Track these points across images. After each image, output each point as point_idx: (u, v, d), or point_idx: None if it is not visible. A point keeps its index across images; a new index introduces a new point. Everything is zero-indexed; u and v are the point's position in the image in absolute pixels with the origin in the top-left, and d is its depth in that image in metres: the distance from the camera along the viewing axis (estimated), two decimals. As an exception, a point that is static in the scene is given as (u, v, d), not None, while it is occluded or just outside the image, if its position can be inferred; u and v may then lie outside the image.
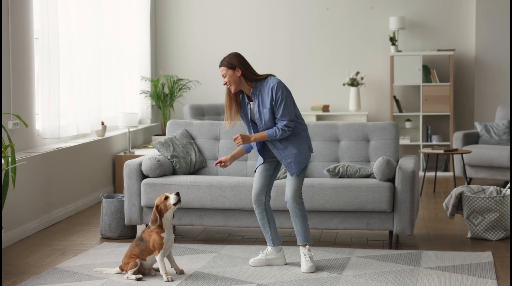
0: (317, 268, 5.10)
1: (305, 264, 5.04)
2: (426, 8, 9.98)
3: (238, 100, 5.06)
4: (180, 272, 4.98)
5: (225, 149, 6.31)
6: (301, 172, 5.06)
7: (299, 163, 5.02)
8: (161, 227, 4.88)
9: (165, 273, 4.84)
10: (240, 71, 4.96)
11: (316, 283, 4.74)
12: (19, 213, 6.06)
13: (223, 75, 4.99)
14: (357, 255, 5.45)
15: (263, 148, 5.15)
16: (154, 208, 4.91)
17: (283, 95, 4.94)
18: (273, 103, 4.94)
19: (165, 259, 4.98)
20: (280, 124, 4.95)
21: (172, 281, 4.81)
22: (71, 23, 7.45)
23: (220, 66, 5.02)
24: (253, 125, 5.10)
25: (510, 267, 5.08)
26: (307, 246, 5.10)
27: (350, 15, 10.11)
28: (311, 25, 10.19)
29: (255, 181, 5.17)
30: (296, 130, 5.04)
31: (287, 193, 5.06)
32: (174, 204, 4.91)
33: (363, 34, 10.10)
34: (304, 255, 5.08)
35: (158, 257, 4.86)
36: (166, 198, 4.92)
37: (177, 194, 4.91)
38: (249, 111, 5.06)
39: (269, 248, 5.22)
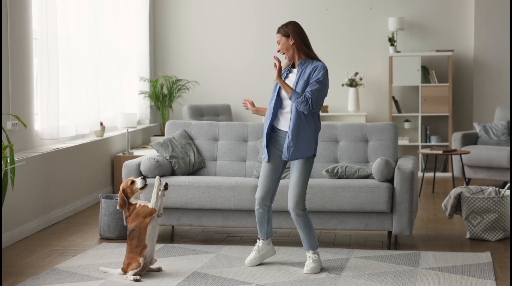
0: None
1: (306, 265, 5.04)
2: (425, 9, 9.99)
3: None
4: (158, 269, 5.05)
5: (224, 150, 6.32)
6: (305, 176, 4.96)
7: (301, 151, 4.90)
8: (132, 205, 4.94)
9: (156, 187, 4.95)
10: (293, 40, 4.94)
11: (314, 284, 4.74)
12: (18, 214, 6.06)
13: (277, 42, 4.99)
14: (356, 256, 5.45)
15: (271, 141, 5.05)
16: (120, 192, 4.95)
17: (324, 80, 4.91)
18: (311, 80, 4.88)
19: (165, 259, 4.97)
20: (307, 94, 4.85)
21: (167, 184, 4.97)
22: (70, 24, 7.45)
23: (277, 32, 5.00)
24: (277, 99, 4.99)
25: (510, 267, 5.08)
26: (312, 251, 5.08)
27: (349, 16, 10.12)
28: (310, 25, 10.18)
29: (263, 183, 5.09)
30: (313, 126, 4.95)
31: (289, 204, 5.00)
32: (141, 188, 4.93)
33: (362, 35, 10.10)
34: (308, 258, 5.08)
35: (152, 204, 4.92)
36: (133, 182, 4.95)
37: (144, 178, 4.94)
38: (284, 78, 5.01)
39: (260, 244, 5.21)
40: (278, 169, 5.09)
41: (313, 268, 5.02)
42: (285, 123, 4.98)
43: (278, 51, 5.02)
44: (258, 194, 5.12)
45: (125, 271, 4.91)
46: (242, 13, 10.24)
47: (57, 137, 6.96)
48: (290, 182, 5.01)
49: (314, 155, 5.01)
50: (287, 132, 4.96)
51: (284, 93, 4.96)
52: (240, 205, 5.75)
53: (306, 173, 4.98)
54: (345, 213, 5.72)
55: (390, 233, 5.74)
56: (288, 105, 4.97)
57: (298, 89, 4.89)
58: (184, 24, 10.38)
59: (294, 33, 4.95)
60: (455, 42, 9.96)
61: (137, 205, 4.95)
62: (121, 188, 4.98)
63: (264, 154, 5.09)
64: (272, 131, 5.05)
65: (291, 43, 4.96)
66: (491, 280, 4.80)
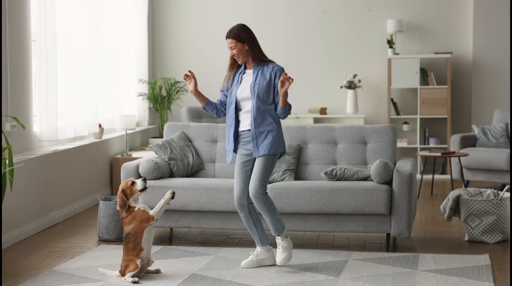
0: (314, 270, 5.09)
1: (278, 255, 5.07)
2: (424, 11, 10.00)
3: (236, 70, 5.15)
4: (156, 271, 5.03)
5: (222, 152, 6.32)
6: (268, 164, 5.02)
7: (272, 147, 4.99)
8: (131, 208, 4.94)
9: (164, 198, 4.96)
10: (247, 45, 5.02)
11: (313, 286, 4.75)
12: (16, 215, 6.06)
13: (231, 47, 5.02)
14: (354, 258, 5.45)
15: (237, 136, 5.12)
16: (120, 193, 4.94)
17: None
18: (274, 81, 4.99)
19: (164, 260, 4.97)
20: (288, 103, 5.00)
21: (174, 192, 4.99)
22: (68, 25, 7.45)
23: (228, 37, 5.02)
24: (235, 103, 5.08)
25: (510, 268, 5.08)
26: (280, 236, 5.09)
27: (347, 18, 10.12)
28: (308, 27, 10.20)
29: (235, 185, 5.14)
30: (279, 122, 5.09)
31: (250, 190, 5.04)
32: (141, 190, 4.93)
33: (360, 37, 10.11)
34: (278, 245, 5.10)
35: (154, 211, 4.92)
36: (133, 183, 4.95)
37: (144, 179, 4.94)
38: (238, 84, 5.06)
39: (258, 249, 5.21)
40: (248, 166, 5.12)
41: (284, 258, 5.04)
42: (246, 123, 5.07)
43: (233, 56, 5.06)
44: (234, 197, 5.16)
45: (122, 273, 4.91)
46: (240, 16, 10.24)
47: (55, 139, 6.95)
48: (252, 175, 5.04)
49: (283, 153, 5.13)
50: (248, 130, 5.05)
51: (240, 95, 5.05)
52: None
53: (268, 167, 5.04)
54: (344, 215, 5.72)
55: (389, 235, 5.74)
56: (246, 105, 5.06)
57: (259, 90, 4.99)
58: (183, 26, 10.38)
59: (248, 39, 5.03)
60: (454, 44, 9.97)
61: (136, 209, 4.95)
62: (120, 188, 4.97)
63: (229, 158, 5.18)
64: (237, 136, 5.15)
65: (246, 48, 5.04)
66: (489, 282, 4.80)
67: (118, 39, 9.01)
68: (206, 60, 10.35)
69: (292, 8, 10.19)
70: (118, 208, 4.95)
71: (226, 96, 5.20)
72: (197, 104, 10.20)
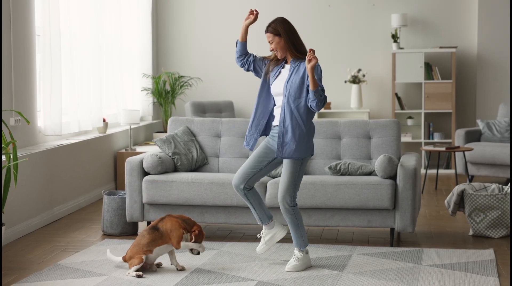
0: (319, 265, 5.09)
1: (289, 262, 5.02)
2: (428, 5, 9.97)
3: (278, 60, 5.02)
4: (181, 269, 4.98)
5: (227, 146, 6.31)
6: (293, 175, 4.90)
7: (297, 151, 4.86)
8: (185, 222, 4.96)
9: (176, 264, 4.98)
10: (284, 39, 4.89)
11: (317, 281, 4.74)
12: (21, 210, 6.07)
13: (269, 41, 4.92)
14: (359, 253, 5.45)
15: (267, 128, 5.02)
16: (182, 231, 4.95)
17: (319, 74, 4.85)
18: (307, 79, 4.82)
19: (166, 255, 4.99)
20: (324, 94, 4.84)
21: (184, 269, 4.94)
22: (72, 20, 7.45)
23: (266, 32, 4.93)
24: (265, 96, 4.99)
25: (510, 265, 5.08)
26: (300, 250, 5.06)
27: (351, 12, 10.11)
28: (312, 22, 10.18)
29: (242, 166, 5.04)
30: (310, 126, 4.92)
31: (279, 199, 4.97)
32: (191, 251, 5.01)
33: (364, 31, 10.09)
34: (293, 255, 5.05)
35: (184, 244, 4.92)
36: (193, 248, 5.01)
37: (198, 253, 5.02)
38: (274, 77, 4.95)
39: (263, 230, 5.18)
40: (263, 159, 5.00)
41: (294, 266, 4.99)
42: (277, 118, 4.97)
43: (271, 51, 4.95)
44: (234, 176, 5.09)
45: (125, 260, 4.92)
46: (244, 10, 10.21)
47: (60, 134, 6.96)
48: (281, 178, 4.97)
49: (311, 155, 4.99)
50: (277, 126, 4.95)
51: (275, 90, 4.93)
52: (242, 201, 5.74)
53: (294, 171, 4.91)
54: (348, 210, 5.72)
55: (393, 230, 5.73)
56: (278, 101, 4.95)
57: (293, 86, 4.85)
58: (186, 20, 10.37)
59: (284, 33, 4.91)
60: (459, 39, 9.94)
61: (183, 235, 4.92)
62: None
63: (248, 142, 5.02)
64: (267, 128, 5.04)
65: (283, 42, 4.91)
66: (494, 277, 4.79)
67: (122, 34, 9.01)
68: (211, 54, 10.34)
69: (296, 3, 10.17)
70: (183, 232, 4.92)
71: (262, 64, 5.03)
72: (201, 99, 10.20)
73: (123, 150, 8.44)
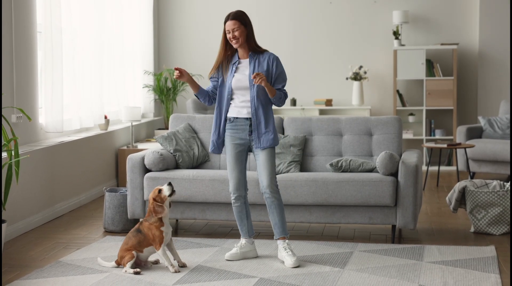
0: (320, 262, 5.10)
1: (289, 258, 5.01)
2: (430, 2, 9.96)
3: (227, 59, 5.07)
4: (183, 265, 4.99)
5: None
6: (273, 160, 5.02)
7: (274, 139, 5.00)
8: (160, 221, 4.89)
9: (171, 265, 4.86)
10: (247, 30, 4.98)
11: (318, 277, 4.75)
12: (22, 207, 6.07)
13: (232, 30, 4.94)
14: (360, 250, 5.45)
15: (228, 133, 5.08)
16: (151, 203, 4.91)
17: (282, 67, 5.02)
18: (272, 70, 4.96)
19: (168, 252, 4.99)
20: (284, 91, 5.03)
21: (179, 272, 4.83)
22: (74, 17, 7.45)
23: (232, 19, 4.95)
24: (229, 91, 5.03)
25: (510, 261, 5.09)
26: (285, 239, 5.09)
27: (353, 9, 10.10)
28: (314, 19, 10.18)
29: (233, 174, 5.10)
30: (272, 117, 5.08)
31: (263, 182, 5.01)
32: (169, 195, 4.92)
33: (366, 28, 10.08)
34: (285, 249, 5.05)
35: (160, 252, 4.86)
36: (160, 190, 4.93)
37: (169, 184, 4.93)
38: (232, 73, 5.01)
39: (243, 241, 5.21)
40: (243, 158, 5.11)
41: (295, 260, 5.00)
42: (242, 111, 5.02)
43: (231, 39, 4.96)
44: (230, 188, 5.13)
45: (119, 263, 4.92)
46: (245, 7, 10.22)
47: (61, 131, 6.97)
48: (259, 166, 5.02)
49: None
50: (246, 119, 5.01)
51: (237, 84, 5.00)
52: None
53: (273, 157, 5.04)
54: (349, 207, 5.72)
55: (394, 227, 5.73)
56: (242, 95, 5.01)
57: None
58: (188, 17, 10.37)
59: (249, 24, 5.01)
60: (460, 36, 9.93)
61: (163, 228, 4.89)
62: (151, 199, 4.93)
63: (219, 148, 5.10)
64: (229, 122, 5.08)
65: (247, 33, 4.99)
66: (495, 274, 4.79)
67: (123, 31, 9.01)
68: (212, 51, 10.31)
69: (297, 0, 10.16)
70: (158, 215, 4.88)
71: (217, 82, 5.11)
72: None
73: (125, 147, 8.44)
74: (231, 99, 5.06)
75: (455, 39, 9.92)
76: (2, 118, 5.37)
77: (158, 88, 9.68)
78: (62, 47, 6.98)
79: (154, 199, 4.92)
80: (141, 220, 5.00)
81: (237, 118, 5.04)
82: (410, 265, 5.02)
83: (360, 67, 9.86)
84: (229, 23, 4.96)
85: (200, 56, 10.32)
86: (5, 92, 5.99)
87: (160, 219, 4.90)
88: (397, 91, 9.82)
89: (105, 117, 8.13)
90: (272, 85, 5.01)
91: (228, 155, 5.12)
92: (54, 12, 6.77)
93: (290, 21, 10.18)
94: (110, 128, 8.34)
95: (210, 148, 5.16)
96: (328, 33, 10.14)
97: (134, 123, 8.72)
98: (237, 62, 5.05)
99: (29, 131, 6.57)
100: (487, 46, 9.75)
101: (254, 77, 4.81)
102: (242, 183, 5.12)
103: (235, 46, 5.00)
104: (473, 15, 9.88)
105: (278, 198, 5.05)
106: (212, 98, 5.15)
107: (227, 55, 5.08)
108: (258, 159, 5.05)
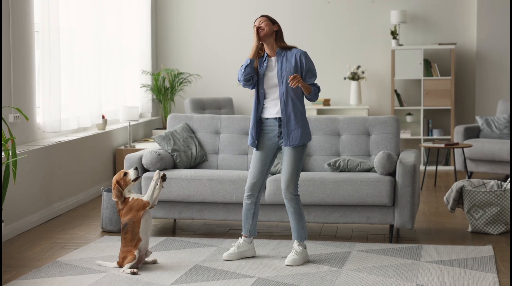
0: (318, 261, 5.10)
1: (289, 256, 5.06)
2: (427, 2, 9.97)
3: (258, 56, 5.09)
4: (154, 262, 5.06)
5: (226, 143, 6.31)
6: (296, 162, 5.00)
7: (303, 136, 4.99)
8: (125, 198, 4.95)
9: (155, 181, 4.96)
10: (277, 27, 5.03)
11: (316, 277, 4.75)
12: (19, 207, 6.07)
13: (260, 22, 4.98)
14: (358, 249, 5.45)
15: (260, 132, 5.09)
16: (114, 184, 4.95)
17: (311, 61, 5.04)
18: (300, 65, 4.98)
19: (161, 253, 4.98)
20: (316, 85, 5.04)
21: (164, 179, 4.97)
22: (71, 17, 7.44)
23: (262, 16, 5.05)
24: (261, 90, 5.04)
25: (510, 261, 5.08)
26: (299, 243, 5.09)
27: (351, 9, 10.10)
28: (312, 18, 10.18)
29: (252, 173, 5.12)
30: (305, 111, 5.08)
31: (281, 186, 5.05)
32: (134, 180, 4.94)
33: (364, 28, 10.08)
34: (292, 249, 5.09)
35: (150, 191, 4.92)
36: (125, 174, 4.95)
37: (136, 169, 4.95)
38: (262, 71, 5.02)
39: (241, 240, 5.22)
40: (267, 160, 5.11)
41: (294, 260, 5.02)
42: (273, 111, 5.03)
43: (259, 28, 4.97)
44: (246, 185, 5.16)
45: (120, 264, 4.92)
46: (244, 6, 10.23)
47: (59, 130, 6.96)
48: (282, 166, 5.04)
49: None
50: (276, 119, 5.02)
51: (268, 82, 5.01)
52: (241, 198, 5.75)
53: (298, 159, 5.01)
54: (347, 207, 5.72)
55: (392, 227, 5.73)
56: (272, 93, 5.02)
57: (288, 74, 4.96)
58: (186, 17, 10.36)
59: (278, 24, 5.07)
60: (458, 35, 9.94)
61: (130, 199, 4.95)
62: (114, 180, 4.98)
63: (251, 139, 5.10)
64: (260, 123, 5.10)
65: (275, 29, 5.03)
66: (493, 273, 4.80)
67: (121, 30, 9.00)
68: (210, 51, 10.33)
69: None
70: (114, 198, 4.96)
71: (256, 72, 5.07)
72: (201, 95, 10.19)
73: (122, 147, 8.43)
74: (265, 97, 5.07)
75: (453, 39, 9.92)
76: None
77: (156, 88, 9.67)
78: (60, 46, 6.98)
79: (118, 182, 4.94)
80: (118, 210, 4.99)
81: (267, 118, 5.06)
82: (408, 265, 5.02)
83: (358, 66, 9.86)
84: (258, 19, 5.03)
85: (198, 56, 10.31)
86: (2, 91, 5.98)
87: (125, 198, 4.94)
88: (395, 91, 9.82)
89: (103, 117, 8.13)
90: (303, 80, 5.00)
91: (254, 152, 5.15)
92: (51, 12, 6.76)
93: (288, 21, 10.18)
94: (108, 128, 8.34)
95: (249, 141, 5.16)
96: (326, 32, 10.14)
97: (132, 123, 8.71)
98: (267, 60, 5.07)
99: (27, 130, 6.57)
100: (484, 46, 9.76)
101: (291, 80, 4.85)
102: (258, 184, 5.12)
103: (260, 35, 4.98)
104: (471, 15, 9.89)
105: (294, 205, 5.03)
106: (252, 79, 5.05)
107: (259, 54, 5.10)
108: (284, 159, 5.05)
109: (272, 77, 5.03)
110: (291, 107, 4.99)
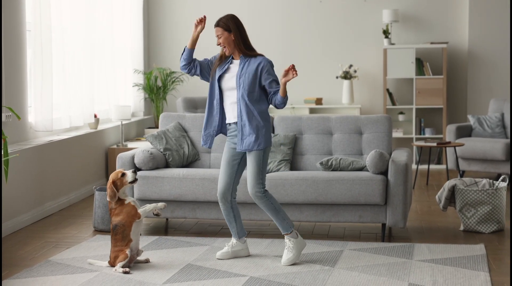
0: (310, 260, 5.10)
1: (284, 255, 5.05)
2: (419, 1, 9.98)
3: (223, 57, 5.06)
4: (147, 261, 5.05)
5: (218, 142, 6.31)
6: (258, 166, 4.94)
7: (256, 142, 4.90)
8: (120, 199, 4.93)
9: (155, 207, 4.96)
10: (234, 35, 4.93)
11: (308, 276, 4.75)
12: (11, 206, 6.05)
13: (217, 36, 4.95)
14: (350, 248, 5.46)
15: (223, 127, 5.07)
16: (110, 184, 4.93)
17: (273, 72, 4.95)
18: (259, 72, 4.89)
19: (155, 251, 4.97)
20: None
21: (165, 206, 4.99)
22: (63, 16, 7.43)
23: (216, 26, 4.96)
24: (216, 93, 5.02)
25: (510, 261, 5.10)
26: (288, 235, 5.08)
27: (343, 8, 10.11)
28: (304, 17, 10.18)
29: (221, 178, 5.09)
30: (268, 117, 4.99)
31: (248, 189, 4.99)
32: (131, 182, 4.92)
33: (356, 27, 10.09)
34: (285, 245, 5.08)
35: (143, 214, 4.91)
36: (123, 174, 4.93)
37: (134, 171, 4.95)
38: (222, 71, 4.98)
39: (234, 240, 5.22)
40: (234, 162, 5.08)
41: (289, 259, 5.01)
42: (232, 115, 5.00)
43: (218, 45, 4.97)
44: (218, 190, 5.12)
45: (112, 264, 4.91)
46: (235, 6, 10.22)
47: (51, 129, 6.94)
48: (247, 172, 5.00)
49: (270, 146, 5.02)
50: (236, 123, 4.99)
51: (226, 84, 4.98)
52: (234, 197, 5.74)
53: (258, 162, 4.95)
54: (339, 206, 5.72)
55: (384, 226, 5.74)
56: (231, 96, 4.98)
57: (246, 81, 4.89)
58: (178, 16, 10.35)
59: (236, 29, 4.94)
60: (450, 35, 9.96)
61: (126, 202, 4.93)
62: (110, 180, 4.95)
63: (205, 141, 5.06)
64: (222, 126, 5.09)
65: (232, 38, 4.94)
66: (484, 272, 4.81)
67: (113, 30, 8.98)
68: (202, 50, 10.31)
69: (287, -2, 10.17)
70: (108, 199, 4.94)
71: (207, 65, 5.07)
72: (193, 94, 10.19)
73: (115, 146, 8.42)
74: (224, 100, 5.03)
75: (444, 38, 9.94)
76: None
77: (148, 87, 9.66)
78: (52, 45, 6.96)
79: (114, 182, 4.92)
80: (110, 208, 4.97)
81: (230, 124, 5.03)
82: (400, 264, 5.03)
83: (350, 66, 9.87)
84: (215, 29, 4.97)
85: (190, 54, 10.30)
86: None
87: (119, 198, 4.91)
88: (387, 89, 9.83)
89: (95, 116, 8.11)
90: (258, 84, 4.93)
91: (222, 158, 5.14)
92: (43, 11, 6.74)
93: (280, 20, 10.18)
94: (100, 127, 8.32)
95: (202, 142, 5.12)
96: (318, 31, 10.15)
97: (124, 122, 8.70)
98: (230, 61, 5.04)
99: (18, 130, 6.55)
100: (476, 45, 9.78)
101: (292, 69, 4.78)
102: (228, 188, 5.09)
103: (226, 53, 4.98)
104: (463, 14, 9.91)
105: (264, 202, 5.00)
106: (192, 67, 5.06)
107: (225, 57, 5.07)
108: (247, 161, 5.03)
109: (230, 79, 4.98)
110: (246, 112, 4.91)
